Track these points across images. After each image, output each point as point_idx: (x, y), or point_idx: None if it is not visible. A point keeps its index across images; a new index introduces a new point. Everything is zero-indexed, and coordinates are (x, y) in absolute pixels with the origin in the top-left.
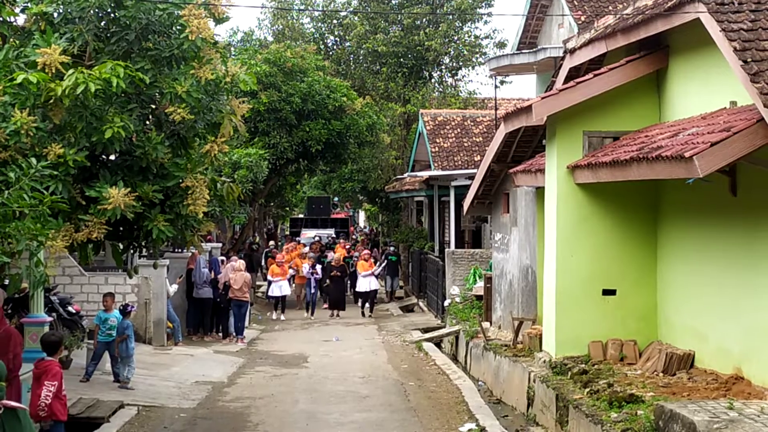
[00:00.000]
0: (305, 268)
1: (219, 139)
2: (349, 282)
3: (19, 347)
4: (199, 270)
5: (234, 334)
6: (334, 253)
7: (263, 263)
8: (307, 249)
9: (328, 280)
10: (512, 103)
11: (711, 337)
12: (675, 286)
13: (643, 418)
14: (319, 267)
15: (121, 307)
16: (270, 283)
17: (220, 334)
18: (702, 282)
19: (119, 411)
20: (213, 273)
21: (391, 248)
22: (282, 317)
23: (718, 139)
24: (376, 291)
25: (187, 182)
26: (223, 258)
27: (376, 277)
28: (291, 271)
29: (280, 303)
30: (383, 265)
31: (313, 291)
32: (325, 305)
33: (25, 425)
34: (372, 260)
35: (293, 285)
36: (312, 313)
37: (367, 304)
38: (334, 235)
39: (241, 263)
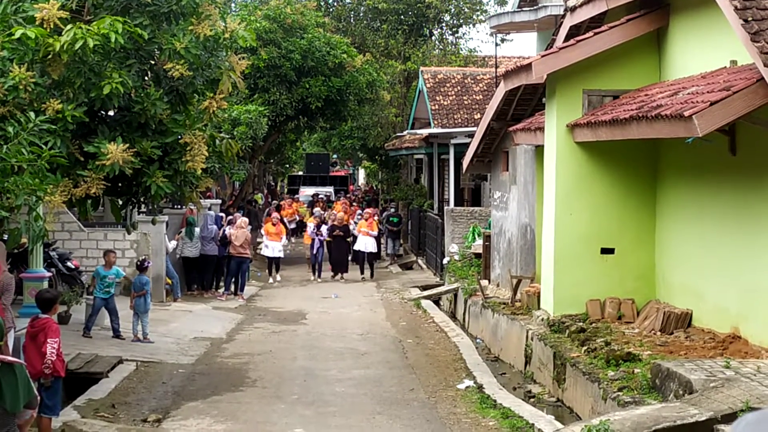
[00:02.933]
0: (309, 227)
1: (218, 96)
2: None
3: None
4: (207, 226)
5: (226, 291)
6: (334, 212)
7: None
8: (305, 207)
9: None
10: (513, 61)
11: (709, 297)
12: (673, 246)
13: (640, 376)
14: (324, 228)
15: (138, 262)
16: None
17: (221, 291)
18: (700, 241)
19: (118, 366)
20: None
21: (392, 209)
22: (278, 278)
23: (717, 99)
24: (373, 253)
25: (185, 138)
26: (222, 214)
27: (377, 238)
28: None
29: (273, 265)
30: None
31: (316, 252)
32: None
33: (20, 380)
34: (373, 219)
35: (291, 243)
36: (318, 275)
37: (366, 267)
38: (330, 193)
39: (244, 220)
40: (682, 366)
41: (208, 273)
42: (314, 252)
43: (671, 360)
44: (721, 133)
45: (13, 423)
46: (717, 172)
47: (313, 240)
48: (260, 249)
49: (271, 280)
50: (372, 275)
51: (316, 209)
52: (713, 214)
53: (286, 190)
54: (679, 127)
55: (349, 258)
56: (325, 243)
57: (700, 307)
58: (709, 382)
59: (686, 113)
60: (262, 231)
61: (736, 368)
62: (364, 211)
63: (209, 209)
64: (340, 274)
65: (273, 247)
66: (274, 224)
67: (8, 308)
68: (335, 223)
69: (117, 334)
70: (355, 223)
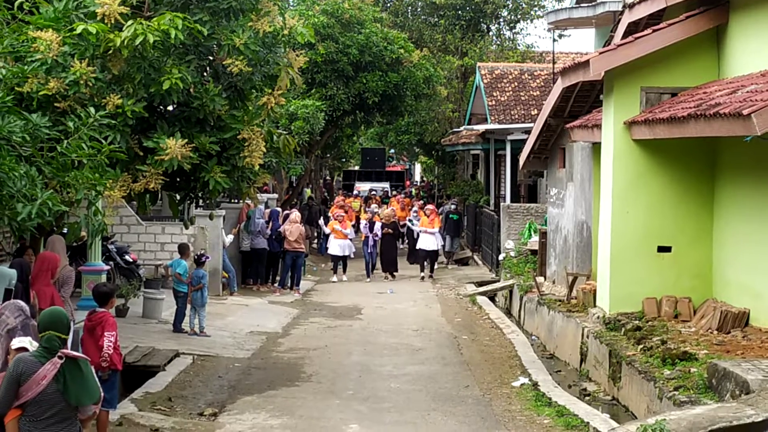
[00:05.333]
0: (362, 224)
1: (276, 92)
2: (407, 241)
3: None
4: (254, 220)
5: (280, 285)
6: (387, 208)
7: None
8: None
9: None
10: (570, 57)
11: (766, 296)
12: (731, 244)
13: (696, 375)
14: (378, 225)
15: (196, 257)
16: (327, 238)
17: (276, 285)
18: (758, 240)
19: (175, 359)
20: (271, 224)
21: (452, 206)
22: (344, 278)
23: None
24: (437, 252)
25: (243, 134)
26: (279, 209)
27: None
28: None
29: (341, 263)
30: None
31: (370, 251)
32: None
33: (86, 375)
34: (436, 216)
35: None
36: (370, 274)
37: (426, 265)
38: (387, 189)
39: (297, 215)
40: (738, 366)
41: (261, 266)
42: (367, 251)
43: (728, 360)
44: None
45: (74, 417)
46: None
47: (366, 237)
48: (315, 244)
49: (335, 278)
50: (432, 272)
51: (373, 206)
52: None
53: (341, 185)
54: (737, 125)
55: (397, 255)
56: (378, 241)
57: (758, 307)
58: (766, 382)
59: (745, 111)
60: (326, 228)
61: None
62: (425, 207)
63: (266, 204)
64: (390, 274)
65: (342, 245)
66: (340, 222)
67: (67, 301)
68: (383, 220)
69: (178, 329)
70: (411, 221)
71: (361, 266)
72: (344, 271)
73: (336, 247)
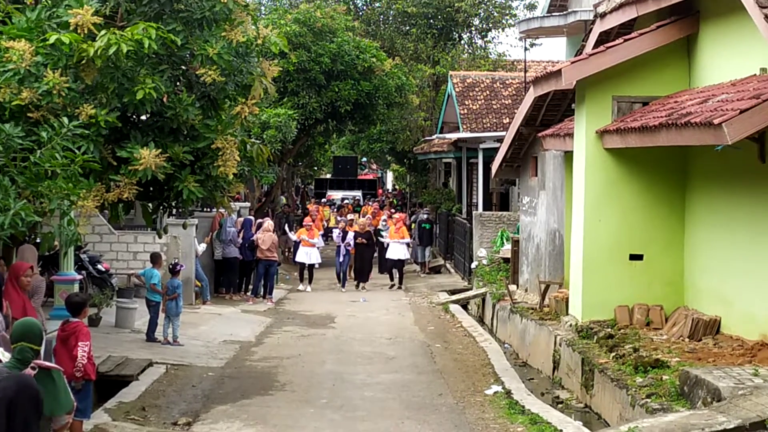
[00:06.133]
0: (335, 233)
1: (249, 101)
2: (377, 250)
3: None
4: (225, 229)
5: (253, 294)
6: (360, 216)
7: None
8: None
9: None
10: (542, 65)
11: (737, 303)
12: (702, 252)
13: (668, 383)
14: (351, 235)
15: (170, 266)
16: (297, 246)
17: (249, 294)
18: (729, 248)
19: (148, 369)
20: (243, 233)
21: (425, 215)
22: (308, 288)
23: (747, 107)
24: (404, 261)
25: (217, 143)
26: (252, 218)
27: (407, 245)
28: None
29: (307, 272)
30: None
31: (342, 260)
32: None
33: (59, 386)
34: (403, 224)
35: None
36: (343, 285)
37: (395, 273)
38: (359, 197)
39: (270, 224)
40: (710, 373)
41: (234, 275)
42: (339, 260)
43: (700, 367)
44: (751, 140)
45: (48, 427)
46: (746, 179)
47: (338, 247)
48: (289, 253)
49: (302, 287)
50: (401, 282)
51: (350, 216)
52: (742, 221)
53: (314, 193)
54: (708, 134)
55: (371, 264)
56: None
57: (729, 314)
58: (738, 389)
59: (716, 121)
60: (293, 236)
61: (764, 376)
62: (392, 216)
63: (238, 212)
64: (361, 284)
65: (309, 253)
66: (308, 230)
67: (39, 310)
68: (357, 229)
69: (151, 338)
70: (380, 231)
71: (333, 275)
72: (310, 281)
73: (303, 254)
